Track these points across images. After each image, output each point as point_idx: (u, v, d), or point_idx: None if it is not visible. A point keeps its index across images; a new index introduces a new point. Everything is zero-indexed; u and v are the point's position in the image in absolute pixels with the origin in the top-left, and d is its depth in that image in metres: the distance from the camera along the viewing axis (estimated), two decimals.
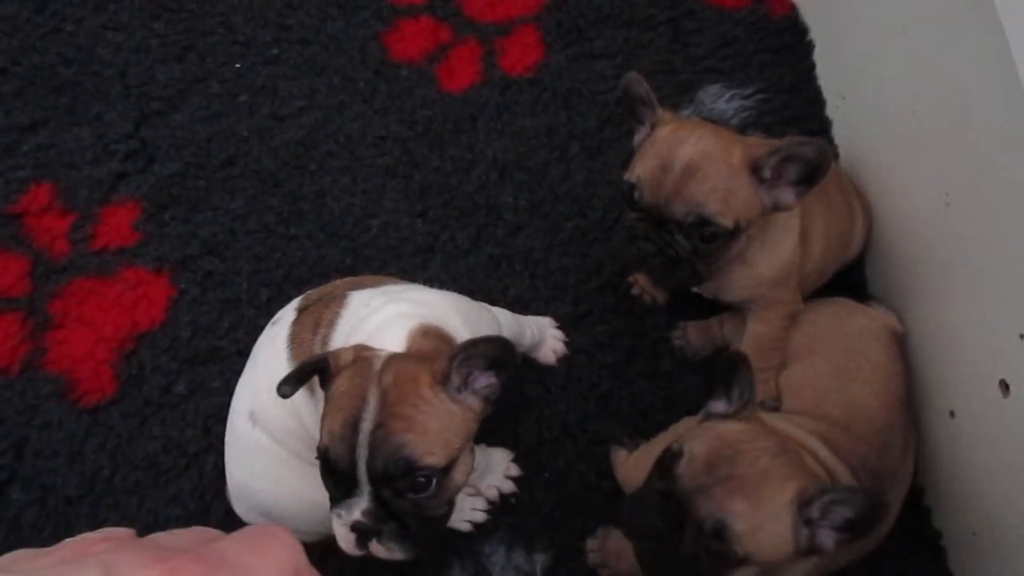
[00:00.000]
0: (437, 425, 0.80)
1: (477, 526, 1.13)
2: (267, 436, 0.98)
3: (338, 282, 1.09)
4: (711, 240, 0.99)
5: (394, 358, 0.82)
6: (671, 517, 0.82)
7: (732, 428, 0.86)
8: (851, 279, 1.29)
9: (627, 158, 1.44)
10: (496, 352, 0.81)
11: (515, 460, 1.18)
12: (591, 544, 1.11)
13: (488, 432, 1.15)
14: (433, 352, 0.84)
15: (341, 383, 0.81)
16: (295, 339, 0.98)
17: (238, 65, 1.54)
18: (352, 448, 0.78)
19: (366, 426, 0.77)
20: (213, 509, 1.18)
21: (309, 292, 1.09)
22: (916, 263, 1.16)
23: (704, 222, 0.97)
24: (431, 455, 0.79)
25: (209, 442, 1.22)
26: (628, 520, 0.86)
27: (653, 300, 1.29)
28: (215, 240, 1.38)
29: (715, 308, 1.25)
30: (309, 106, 1.50)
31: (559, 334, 1.26)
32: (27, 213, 1.42)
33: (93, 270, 1.37)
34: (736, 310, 1.24)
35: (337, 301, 0.97)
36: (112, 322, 1.32)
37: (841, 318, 1.14)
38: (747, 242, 1.05)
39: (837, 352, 1.09)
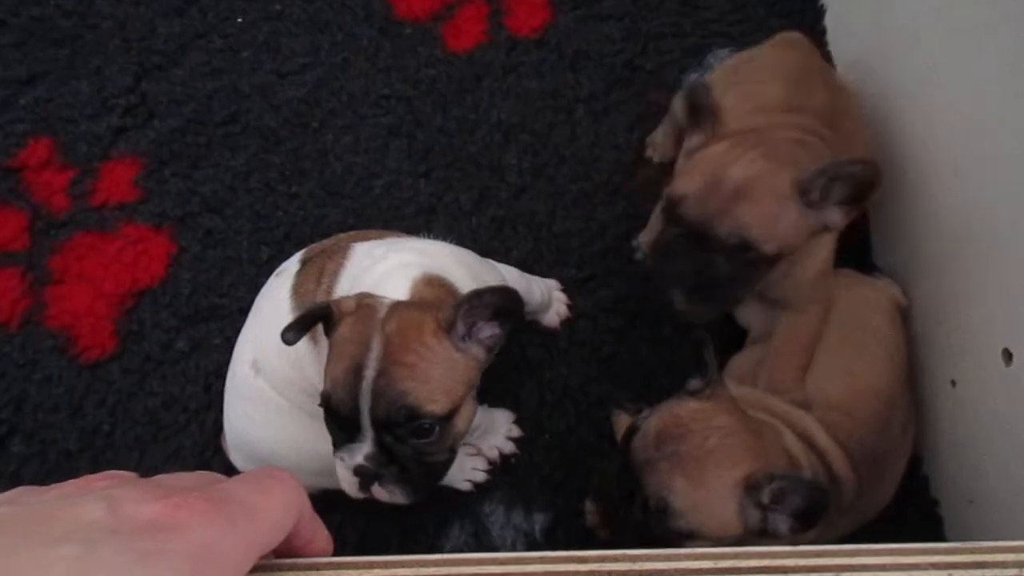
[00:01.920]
0: (440, 373, 0.80)
1: (477, 486, 1.14)
2: (268, 385, 0.98)
3: (343, 235, 1.08)
4: (752, 264, 0.96)
5: (398, 306, 0.82)
6: (625, 487, 0.85)
7: (689, 406, 0.87)
8: (856, 247, 1.29)
9: (633, 122, 1.43)
10: (503, 302, 0.81)
11: (516, 422, 1.18)
12: (589, 505, 1.11)
13: (490, 394, 1.16)
14: (436, 301, 0.84)
15: (344, 330, 0.81)
16: (298, 290, 0.97)
17: (240, 20, 1.51)
18: (355, 395, 0.78)
19: (369, 373, 0.77)
20: (213, 466, 1.18)
21: (313, 245, 1.08)
22: (922, 232, 1.15)
23: (747, 246, 0.94)
24: (433, 403, 0.79)
25: (210, 399, 1.22)
26: (592, 483, 0.91)
27: None
28: (216, 197, 1.37)
29: None
30: (312, 63, 1.48)
31: (564, 297, 1.25)
32: (26, 167, 1.40)
33: (93, 226, 1.36)
34: None
35: (341, 252, 0.96)
36: (112, 278, 1.31)
37: (847, 289, 1.14)
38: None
39: (842, 324, 1.08)
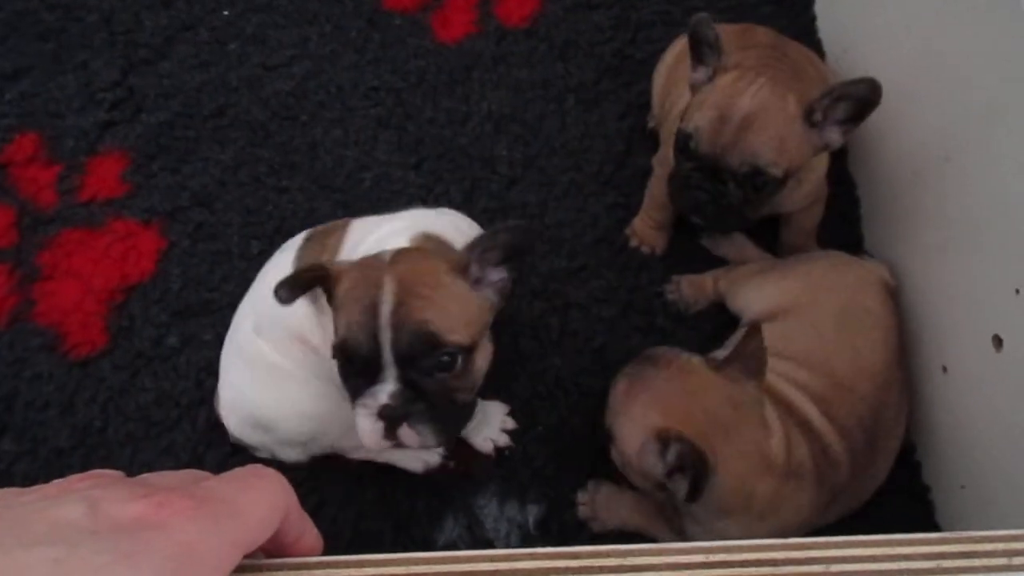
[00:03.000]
0: (457, 307, 0.79)
1: (470, 478, 1.14)
2: (269, 347, 0.98)
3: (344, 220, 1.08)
4: (762, 188, 1.03)
5: (404, 251, 0.81)
6: None
7: (692, 362, 0.94)
8: (848, 234, 1.29)
9: (623, 111, 1.42)
10: (516, 239, 0.80)
11: (509, 414, 1.18)
12: (582, 497, 1.12)
13: (482, 386, 1.15)
14: (437, 247, 0.84)
15: (347, 282, 0.79)
16: (301, 261, 0.98)
17: (227, 12, 1.50)
18: (373, 333, 0.76)
19: (386, 308, 0.76)
20: (206, 461, 1.18)
21: (317, 226, 1.08)
22: (913, 218, 1.15)
23: (757, 172, 1.01)
24: (454, 332, 0.78)
25: (202, 395, 1.21)
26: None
27: (652, 251, 1.29)
28: (205, 192, 1.36)
29: (711, 263, 1.24)
30: (300, 55, 1.47)
31: (510, 421, 1.20)
32: (12, 163, 1.39)
33: (81, 221, 1.35)
34: (731, 265, 1.23)
35: (340, 228, 0.97)
36: (101, 274, 1.30)
37: (838, 269, 1.14)
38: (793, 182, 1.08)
39: (837, 305, 1.08)
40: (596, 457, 1.15)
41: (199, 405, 1.21)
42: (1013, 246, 0.94)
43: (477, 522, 1.12)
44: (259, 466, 0.45)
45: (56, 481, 0.40)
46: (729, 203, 1.04)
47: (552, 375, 1.22)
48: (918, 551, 0.41)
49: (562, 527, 1.11)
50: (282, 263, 1.01)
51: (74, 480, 0.39)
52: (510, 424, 1.17)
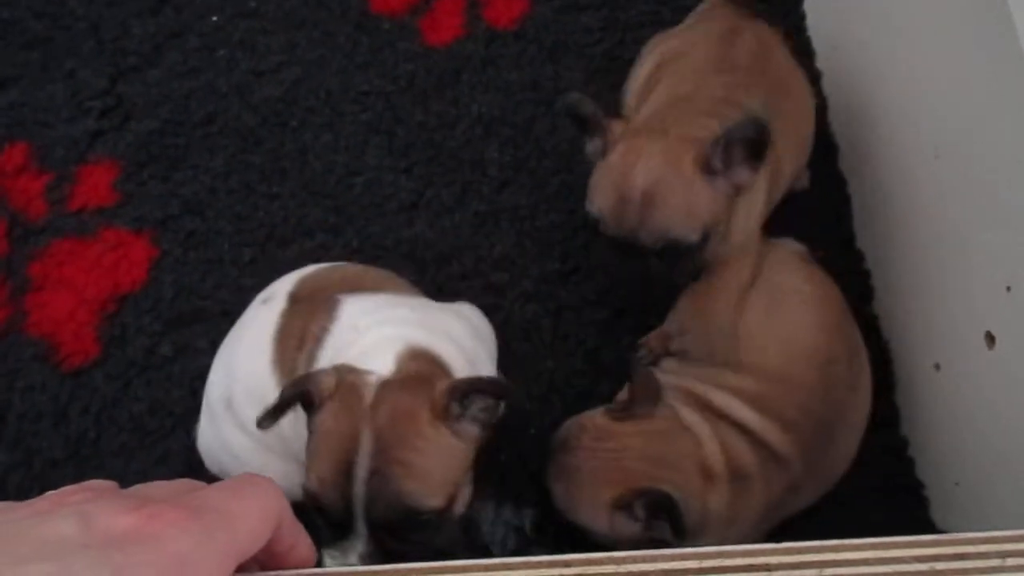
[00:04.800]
0: (439, 466, 0.75)
1: None
2: (239, 425, 0.96)
3: (335, 274, 1.03)
4: (685, 253, 1.00)
5: (386, 389, 0.76)
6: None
7: (597, 422, 0.95)
8: (839, 231, 1.29)
9: (613, 113, 1.42)
10: (498, 392, 0.80)
11: (504, 414, 1.17)
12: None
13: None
14: (423, 376, 0.79)
15: (327, 418, 0.75)
16: (281, 339, 0.93)
17: (215, 18, 1.50)
18: (347, 496, 0.73)
19: (361, 473, 0.72)
20: (201, 470, 1.17)
21: (305, 274, 1.03)
22: (904, 215, 1.16)
23: (673, 243, 0.97)
24: (433, 497, 0.75)
25: (196, 403, 1.20)
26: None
27: None
28: (196, 199, 1.36)
29: None
30: (288, 61, 1.46)
31: None
32: (2, 174, 1.38)
33: (72, 231, 1.34)
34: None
35: (326, 311, 0.90)
36: (93, 284, 1.30)
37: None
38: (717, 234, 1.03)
39: (763, 292, 1.06)
40: None
41: (193, 413, 1.20)
42: (1003, 243, 0.94)
43: (474, 526, 1.12)
44: (252, 474, 0.45)
45: (48, 493, 0.40)
46: (652, 275, 1.01)
47: (546, 378, 1.22)
48: (911, 553, 0.41)
49: (559, 530, 1.11)
50: (263, 326, 0.96)
51: (66, 493, 0.39)
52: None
